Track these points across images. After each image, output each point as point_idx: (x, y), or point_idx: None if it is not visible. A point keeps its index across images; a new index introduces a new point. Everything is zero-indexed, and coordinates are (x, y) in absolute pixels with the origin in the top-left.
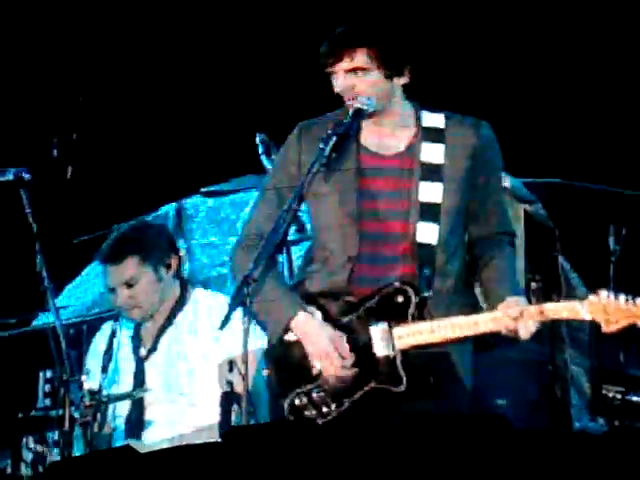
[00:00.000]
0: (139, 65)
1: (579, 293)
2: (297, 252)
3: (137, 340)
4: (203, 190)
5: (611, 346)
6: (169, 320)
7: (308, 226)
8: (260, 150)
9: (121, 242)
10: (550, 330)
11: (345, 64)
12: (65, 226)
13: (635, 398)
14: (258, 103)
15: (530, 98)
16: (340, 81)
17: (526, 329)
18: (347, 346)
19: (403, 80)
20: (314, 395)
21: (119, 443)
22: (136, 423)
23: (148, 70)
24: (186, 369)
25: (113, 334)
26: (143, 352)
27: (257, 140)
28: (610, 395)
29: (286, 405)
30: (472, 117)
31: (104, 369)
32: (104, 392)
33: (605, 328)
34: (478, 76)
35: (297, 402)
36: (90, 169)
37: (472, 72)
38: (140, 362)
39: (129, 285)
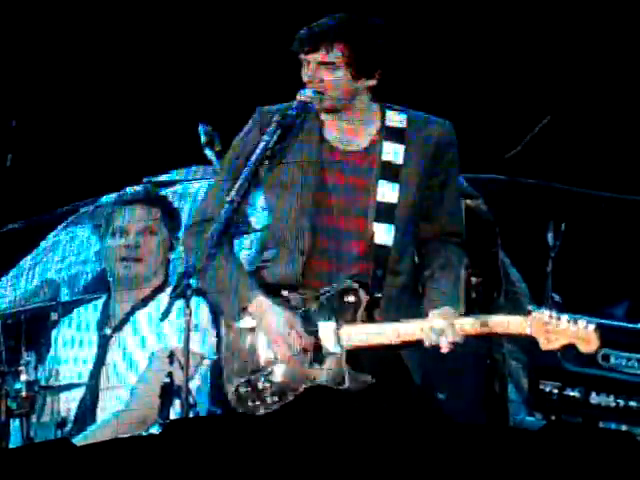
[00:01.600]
0: (83, 51)
1: (519, 289)
2: (239, 244)
3: (104, 317)
4: (146, 180)
5: None
6: (144, 302)
7: (252, 219)
8: (202, 140)
9: (154, 192)
10: None
11: (319, 56)
12: (2, 215)
13: (572, 393)
14: (203, 92)
15: (479, 95)
16: (310, 71)
17: (447, 343)
18: (302, 328)
19: (370, 82)
20: (259, 385)
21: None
22: (90, 408)
23: (92, 56)
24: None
25: (54, 324)
26: (108, 331)
27: (200, 130)
28: (547, 390)
29: (231, 392)
30: (435, 117)
31: (41, 360)
32: (42, 383)
33: (543, 346)
34: (433, 70)
35: (242, 390)
36: (30, 157)
37: (429, 67)
38: (103, 340)
39: (147, 232)
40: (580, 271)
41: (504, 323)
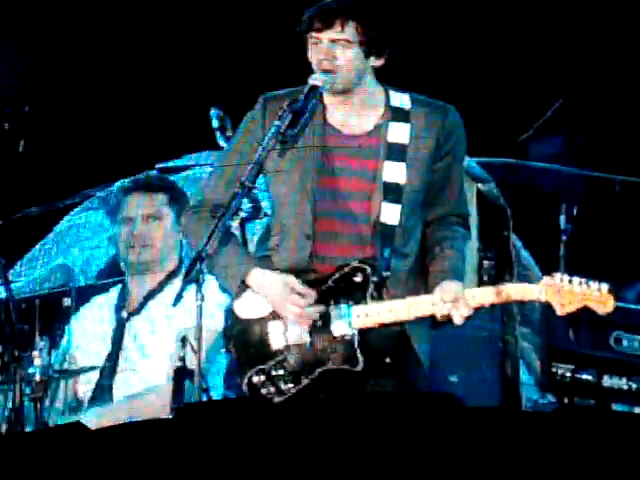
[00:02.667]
0: (95, 39)
1: (531, 272)
2: (251, 229)
3: (122, 300)
4: (158, 166)
5: (561, 324)
6: (161, 286)
7: (263, 204)
8: (214, 125)
9: (155, 178)
10: (501, 307)
11: (333, 33)
12: (16, 201)
13: (584, 376)
14: (214, 78)
15: (488, 79)
16: (322, 49)
17: (460, 315)
18: (301, 287)
19: (378, 62)
20: (273, 372)
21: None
22: (107, 389)
23: (104, 44)
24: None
25: (67, 309)
26: (125, 314)
27: (211, 115)
28: (560, 373)
29: (244, 382)
30: (439, 101)
31: (55, 345)
32: (56, 367)
33: (559, 310)
34: (438, 54)
35: (255, 379)
36: (43, 143)
37: (435, 52)
38: (120, 324)
39: (151, 218)
40: (592, 254)
41: (517, 291)
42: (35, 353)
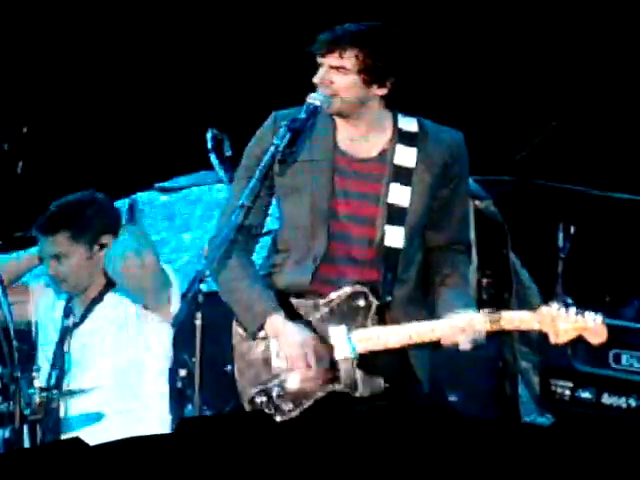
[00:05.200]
0: (92, 58)
1: (529, 290)
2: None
3: (67, 310)
4: (157, 186)
5: None
6: (100, 296)
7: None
8: (209, 145)
9: (56, 215)
10: None
11: (333, 60)
12: (15, 222)
13: (583, 394)
14: (214, 98)
15: (486, 98)
16: (322, 73)
17: (468, 341)
18: (314, 356)
19: (381, 91)
20: (274, 393)
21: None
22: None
23: (102, 64)
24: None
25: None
26: (70, 323)
27: (207, 135)
28: (559, 391)
29: (246, 402)
30: (447, 127)
31: (54, 365)
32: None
33: (553, 340)
34: (436, 74)
35: (257, 400)
36: (41, 163)
37: (440, 70)
38: (65, 331)
39: (58, 258)
40: (590, 272)
41: (513, 319)
42: (34, 374)
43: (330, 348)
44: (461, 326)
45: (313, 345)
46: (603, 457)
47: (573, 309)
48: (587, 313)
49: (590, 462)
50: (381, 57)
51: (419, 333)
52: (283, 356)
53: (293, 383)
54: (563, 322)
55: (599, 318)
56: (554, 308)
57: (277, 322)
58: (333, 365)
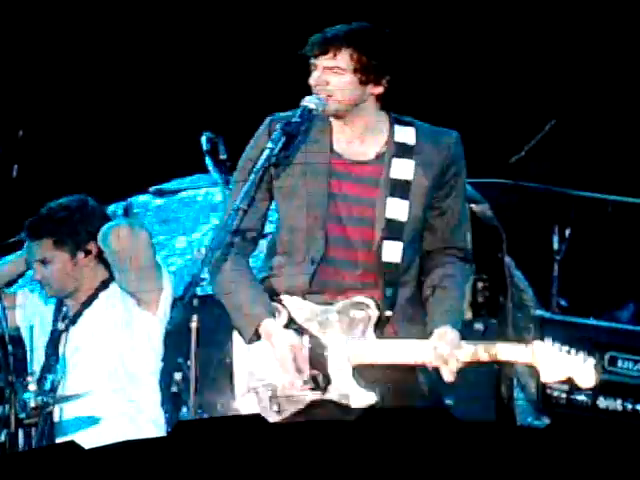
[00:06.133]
0: (87, 62)
1: (525, 293)
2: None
3: (58, 313)
4: (152, 189)
5: None
6: (90, 300)
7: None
8: (204, 148)
9: (42, 220)
10: (497, 329)
11: (327, 60)
12: (10, 226)
13: (579, 397)
14: (209, 102)
15: (481, 100)
16: (317, 75)
17: (449, 372)
18: (305, 361)
19: (377, 90)
20: (264, 395)
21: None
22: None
23: (96, 67)
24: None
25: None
26: (62, 325)
27: (202, 138)
28: (554, 394)
29: (239, 401)
30: (443, 129)
31: (49, 369)
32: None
33: (543, 377)
34: (431, 75)
35: (249, 401)
36: (36, 167)
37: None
38: (57, 335)
39: (43, 262)
40: (586, 275)
41: (507, 352)
42: (29, 378)
43: (324, 357)
44: (446, 357)
45: (306, 350)
46: (598, 460)
47: (566, 347)
48: (580, 354)
49: (586, 465)
50: (375, 55)
51: (411, 355)
52: (275, 359)
53: (283, 386)
54: (555, 360)
55: (590, 361)
56: (548, 345)
57: (270, 326)
58: (326, 374)
